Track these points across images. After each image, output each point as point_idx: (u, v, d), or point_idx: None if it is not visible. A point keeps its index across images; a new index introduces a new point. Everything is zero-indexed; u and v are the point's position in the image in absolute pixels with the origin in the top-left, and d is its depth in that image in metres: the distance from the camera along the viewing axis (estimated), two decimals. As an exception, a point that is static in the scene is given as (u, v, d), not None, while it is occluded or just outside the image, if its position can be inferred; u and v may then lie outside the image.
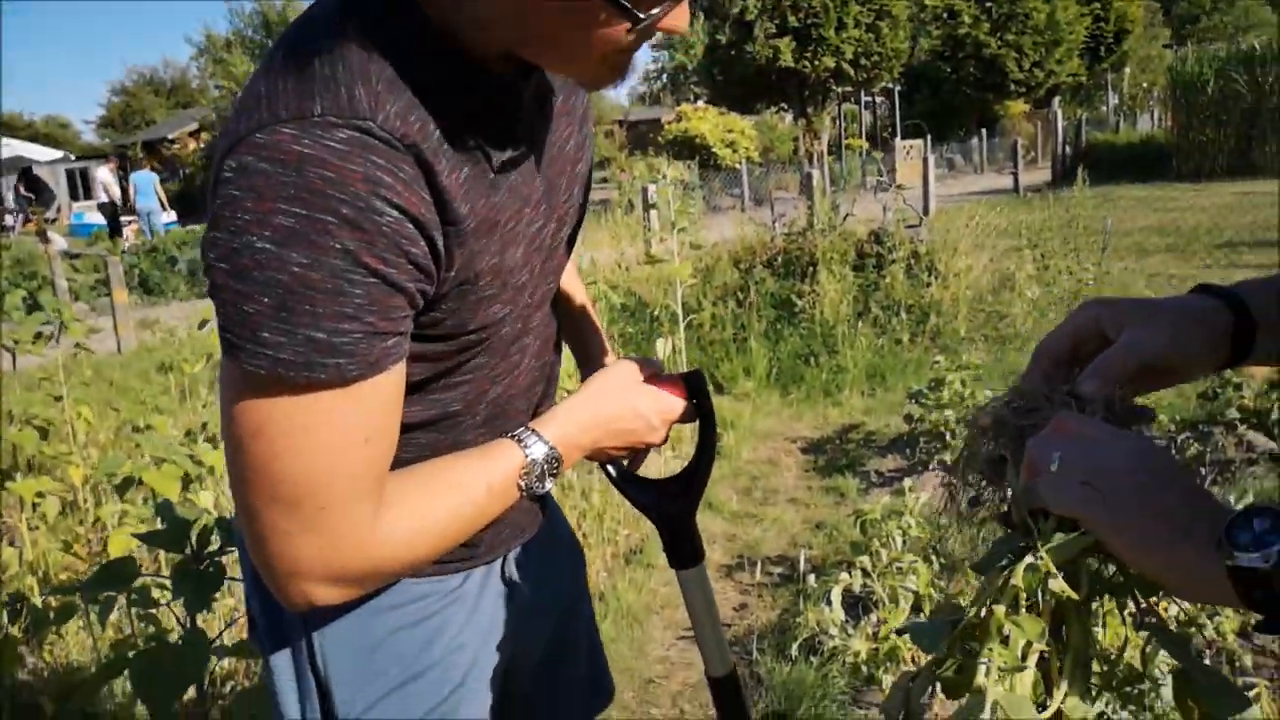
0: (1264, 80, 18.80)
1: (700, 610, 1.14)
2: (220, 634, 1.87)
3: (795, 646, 2.68)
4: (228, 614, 2.53)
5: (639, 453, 1.08)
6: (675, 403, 1.04)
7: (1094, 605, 0.63)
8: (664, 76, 47.85)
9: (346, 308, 0.71)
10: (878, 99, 33.26)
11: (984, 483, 0.77)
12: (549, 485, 0.92)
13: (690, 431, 3.48)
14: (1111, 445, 0.60)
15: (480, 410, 0.94)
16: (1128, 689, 1.78)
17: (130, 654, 1.67)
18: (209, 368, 4.92)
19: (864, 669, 2.53)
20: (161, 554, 2.72)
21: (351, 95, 0.71)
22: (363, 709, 0.94)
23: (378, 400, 0.77)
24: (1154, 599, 0.62)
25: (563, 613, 1.17)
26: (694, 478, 1.10)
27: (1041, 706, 0.60)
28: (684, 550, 1.12)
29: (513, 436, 0.91)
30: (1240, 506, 0.54)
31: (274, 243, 0.69)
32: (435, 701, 0.97)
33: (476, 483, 0.87)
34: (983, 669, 0.59)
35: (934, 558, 2.91)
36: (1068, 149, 22.64)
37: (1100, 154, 21.84)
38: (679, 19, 0.74)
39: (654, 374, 1.04)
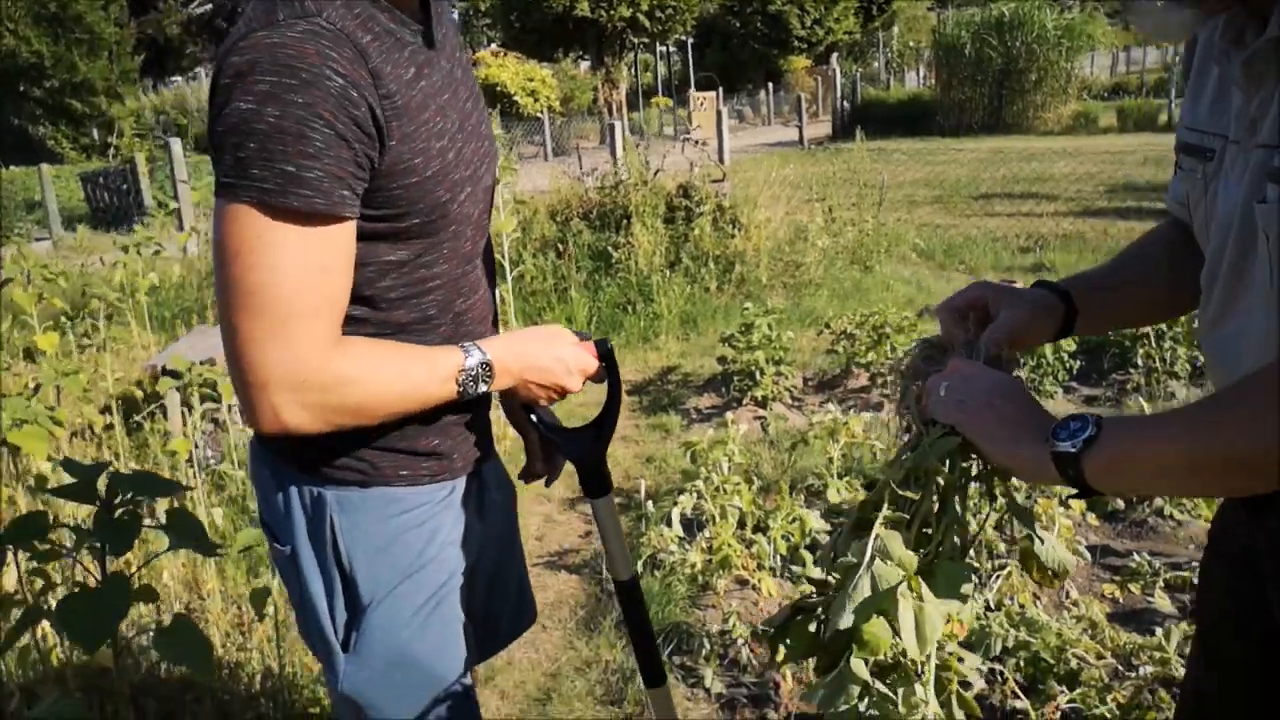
0: (1012, 44, 20.73)
1: (609, 529, 1.39)
2: (132, 577, 1.99)
3: (640, 563, 3.04)
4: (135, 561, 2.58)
5: (554, 396, 1.28)
6: (591, 360, 1.27)
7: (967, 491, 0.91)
8: (455, 16, 46.42)
9: (309, 148, 0.97)
10: (671, 51, 33.93)
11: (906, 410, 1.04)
12: (480, 389, 1.15)
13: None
14: (980, 377, 0.92)
15: (447, 321, 1.20)
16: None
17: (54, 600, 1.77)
18: (20, 333, 4.70)
19: (700, 578, 2.92)
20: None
21: (304, 3, 1.00)
22: (382, 594, 1.19)
23: (334, 240, 1.02)
24: (1008, 485, 0.92)
25: (504, 539, 1.44)
26: (604, 424, 1.33)
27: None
28: (596, 483, 1.35)
29: (459, 346, 1.15)
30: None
31: (254, 103, 0.96)
32: (435, 588, 1.23)
33: (420, 364, 1.11)
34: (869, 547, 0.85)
35: (754, 479, 3.33)
36: (845, 104, 24.12)
37: (873, 110, 23.40)
38: None
39: (575, 337, 1.29)
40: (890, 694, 0.84)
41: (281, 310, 0.99)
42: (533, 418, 1.32)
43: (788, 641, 0.91)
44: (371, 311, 1.13)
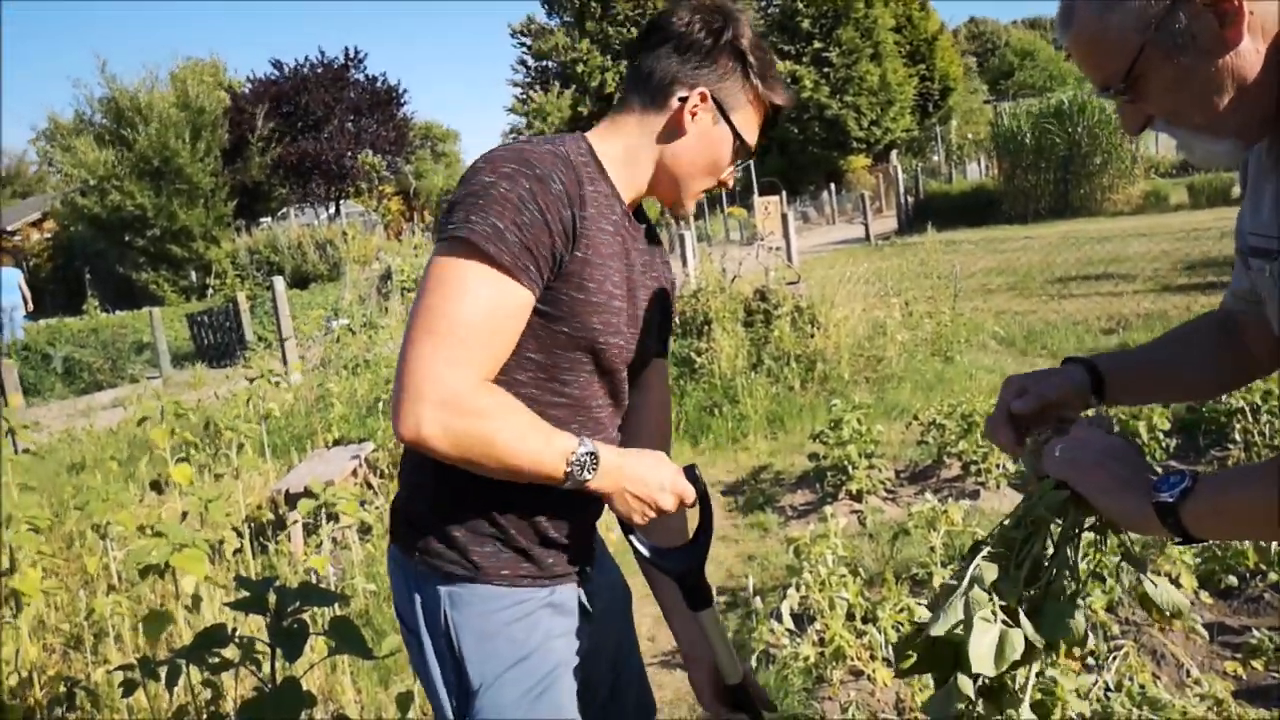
0: (1073, 130, 20.88)
1: (716, 637, 1.46)
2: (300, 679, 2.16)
3: (753, 658, 3.11)
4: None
5: (649, 513, 1.32)
6: (688, 486, 1.33)
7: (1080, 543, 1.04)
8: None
9: (519, 219, 1.20)
10: (731, 159, 34.82)
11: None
12: (584, 476, 1.23)
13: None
14: (1093, 441, 1.04)
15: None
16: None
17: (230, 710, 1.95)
18: (148, 465, 5.04)
19: (814, 670, 2.97)
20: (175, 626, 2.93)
21: (556, 140, 1.33)
22: (490, 679, 1.33)
23: (513, 299, 1.22)
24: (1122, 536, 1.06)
25: (621, 644, 1.56)
26: (699, 543, 1.39)
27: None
28: (699, 596, 1.41)
29: (574, 435, 1.26)
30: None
31: (493, 178, 1.22)
32: (540, 676, 1.34)
33: (542, 434, 1.22)
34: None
35: (858, 571, 3.40)
36: (909, 198, 24.41)
37: (937, 202, 23.63)
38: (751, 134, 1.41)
39: (676, 466, 1.37)
40: (993, 710, 0.96)
41: (459, 334, 1.17)
42: (631, 539, 1.38)
43: (909, 656, 1.03)
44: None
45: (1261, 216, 1.07)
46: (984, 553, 0.99)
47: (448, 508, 1.34)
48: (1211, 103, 0.96)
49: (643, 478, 1.29)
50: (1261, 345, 1.19)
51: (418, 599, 1.36)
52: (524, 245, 1.19)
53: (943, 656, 0.97)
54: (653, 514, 1.32)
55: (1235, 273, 1.22)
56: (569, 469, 1.23)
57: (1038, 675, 1.02)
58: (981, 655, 0.92)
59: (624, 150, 1.37)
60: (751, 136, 1.39)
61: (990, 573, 0.97)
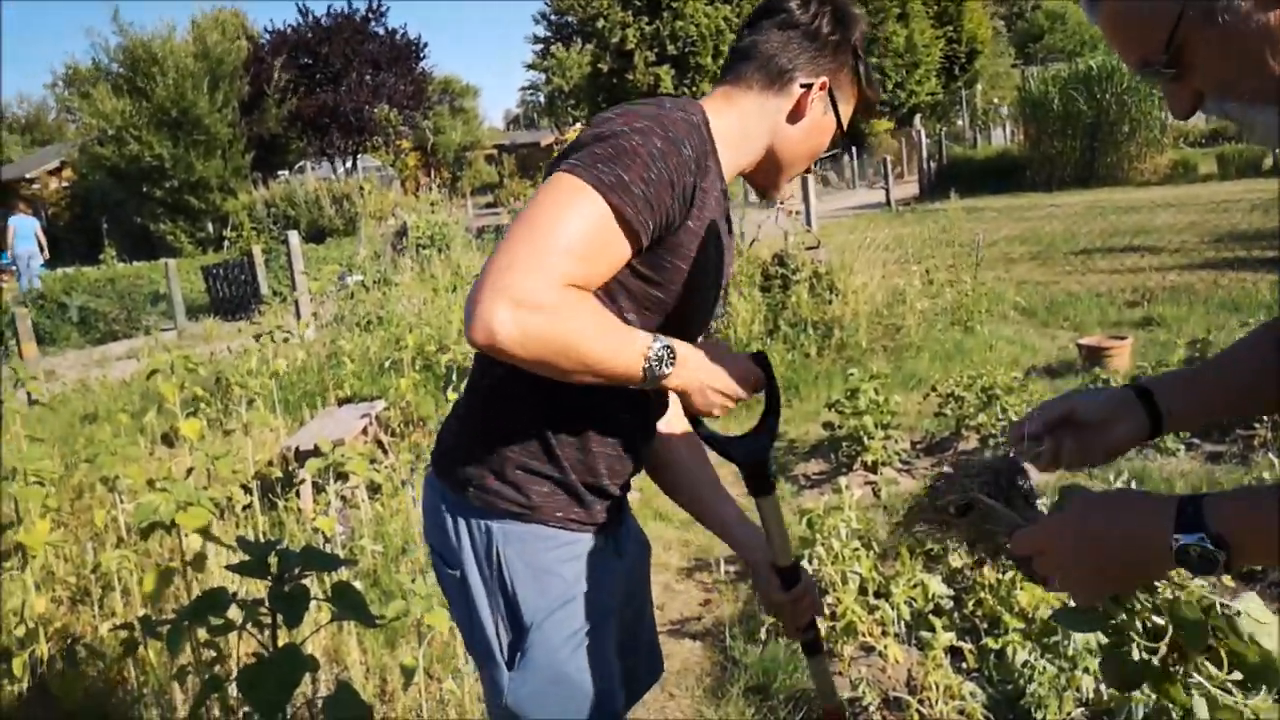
0: (1101, 97, 20.48)
1: (774, 523, 1.48)
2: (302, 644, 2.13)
3: (763, 631, 3.07)
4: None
5: (728, 405, 1.33)
6: (757, 370, 1.36)
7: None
8: (540, 97, 48.15)
9: (646, 174, 1.18)
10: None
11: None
12: (664, 371, 1.23)
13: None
14: (1059, 552, 0.98)
15: (628, 407, 1.38)
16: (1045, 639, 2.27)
17: (234, 672, 1.92)
18: (158, 418, 5.02)
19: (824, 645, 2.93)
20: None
21: (689, 106, 1.32)
22: (541, 617, 1.34)
23: (615, 245, 1.20)
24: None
25: (640, 595, 1.59)
26: (766, 430, 1.41)
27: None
28: (763, 482, 1.43)
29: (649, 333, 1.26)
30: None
31: (626, 128, 1.20)
32: (585, 620, 1.36)
33: (621, 333, 1.21)
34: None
35: (872, 545, 3.34)
36: (932, 164, 24.07)
37: (960, 168, 23.29)
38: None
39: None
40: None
41: (550, 247, 1.13)
42: (700, 431, 1.42)
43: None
44: None
45: None
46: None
47: (506, 445, 1.35)
48: (1266, 66, 0.85)
49: (720, 370, 1.30)
50: None
51: (465, 535, 1.37)
52: (646, 200, 1.18)
53: None
54: (732, 405, 1.33)
55: None
56: (647, 364, 1.21)
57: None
58: None
59: (739, 128, 1.38)
60: (844, 128, 1.47)
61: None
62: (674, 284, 1.29)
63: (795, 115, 1.39)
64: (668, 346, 1.23)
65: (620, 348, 1.19)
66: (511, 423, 1.35)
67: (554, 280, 1.13)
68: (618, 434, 1.39)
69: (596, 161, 1.17)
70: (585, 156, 1.18)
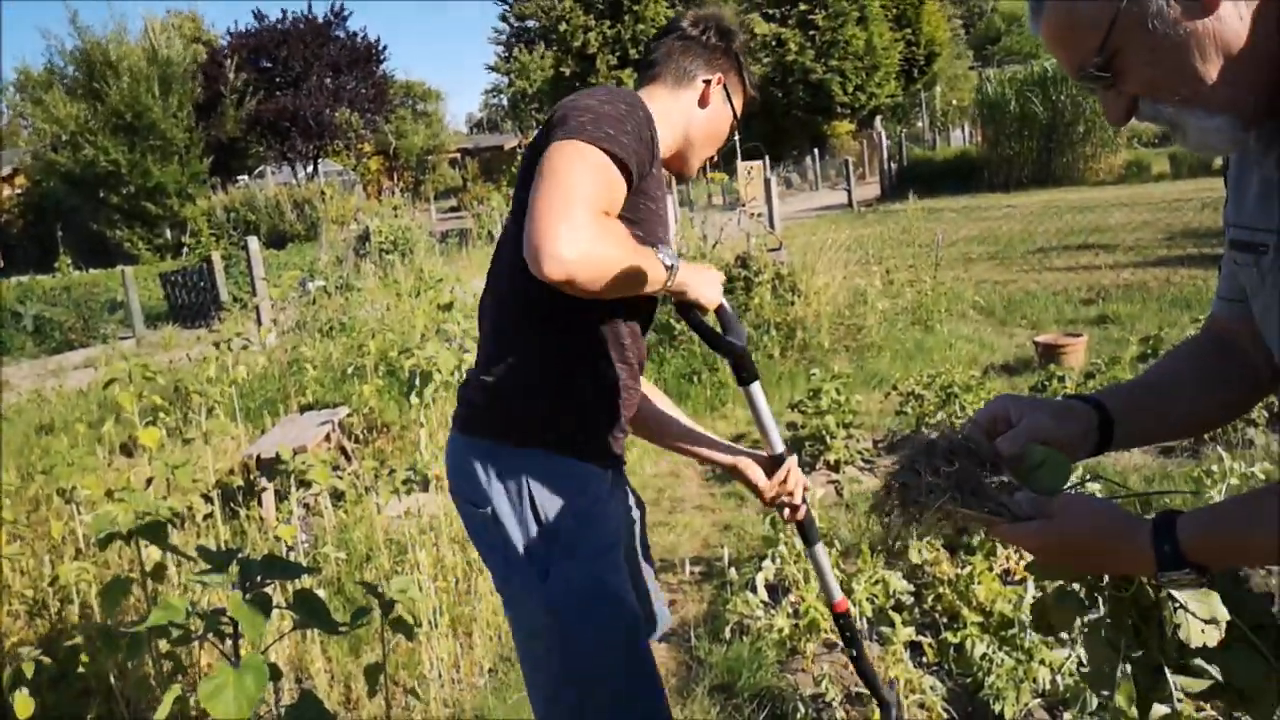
0: (1056, 98, 20.82)
1: (762, 409, 1.76)
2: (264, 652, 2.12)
3: (727, 630, 3.09)
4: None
5: (712, 295, 1.62)
6: (721, 276, 1.69)
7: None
8: (503, 99, 47.93)
9: (624, 127, 1.43)
10: (715, 122, 34.54)
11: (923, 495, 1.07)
12: (675, 269, 1.50)
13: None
14: (1048, 548, 1.02)
15: (631, 343, 1.65)
16: (1003, 632, 2.32)
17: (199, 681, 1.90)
18: (116, 428, 4.95)
19: (788, 642, 2.96)
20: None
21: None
22: (573, 536, 1.54)
23: (615, 184, 1.43)
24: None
25: (643, 547, 1.86)
26: (734, 333, 1.67)
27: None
28: (749, 371, 1.70)
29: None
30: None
31: (594, 100, 1.46)
32: (612, 543, 1.60)
33: (640, 244, 1.46)
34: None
35: (836, 543, 3.38)
36: (892, 165, 24.32)
37: (921, 169, 23.56)
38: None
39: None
40: None
41: (574, 197, 1.34)
42: (699, 328, 1.66)
43: None
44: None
45: (1245, 210, 1.00)
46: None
47: (533, 380, 1.57)
48: (1195, 73, 0.89)
49: (702, 270, 1.61)
50: (1260, 351, 1.09)
51: (494, 475, 1.57)
52: (631, 146, 1.42)
53: None
54: (720, 298, 1.64)
55: (1223, 276, 1.14)
56: (667, 264, 1.49)
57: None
58: None
59: (661, 113, 1.62)
60: (737, 117, 1.79)
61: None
62: (648, 223, 1.56)
63: (703, 102, 1.72)
64: (669, 253, 1.51)
65: (648, 254, 1.46)
66: (539, 359, 1.58)
67: (589, 213, 1.36)
68: (620, 375, 1.64)
69: (585, 126, 1.40)
70: (573, 125, 1.40)
